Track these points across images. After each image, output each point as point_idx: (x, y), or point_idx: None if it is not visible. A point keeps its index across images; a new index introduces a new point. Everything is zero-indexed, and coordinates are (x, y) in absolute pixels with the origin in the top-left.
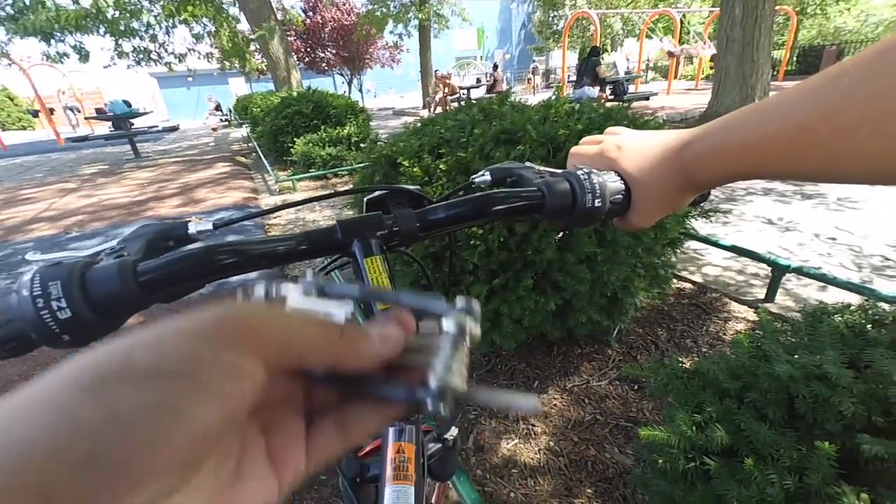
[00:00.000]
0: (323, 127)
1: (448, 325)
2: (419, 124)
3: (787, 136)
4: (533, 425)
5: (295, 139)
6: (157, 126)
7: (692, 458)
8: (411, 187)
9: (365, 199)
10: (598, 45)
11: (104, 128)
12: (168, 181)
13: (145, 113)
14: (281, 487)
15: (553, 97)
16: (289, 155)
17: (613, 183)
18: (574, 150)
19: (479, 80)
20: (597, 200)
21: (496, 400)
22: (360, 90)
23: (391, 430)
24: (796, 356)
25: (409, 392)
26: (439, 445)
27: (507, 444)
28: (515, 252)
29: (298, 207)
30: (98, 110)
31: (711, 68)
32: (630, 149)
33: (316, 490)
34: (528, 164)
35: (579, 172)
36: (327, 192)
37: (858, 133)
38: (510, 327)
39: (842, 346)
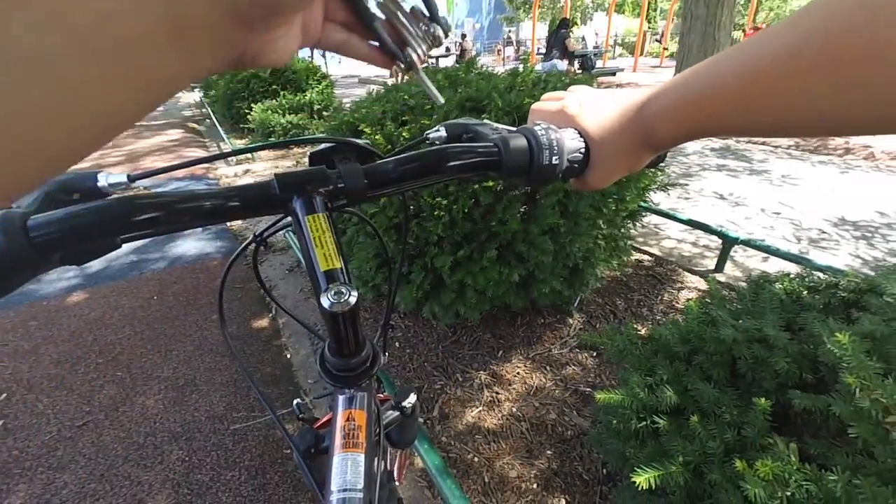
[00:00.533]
0: (282, 93)
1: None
2: (383, 91)
3: (744, 85)
4: (497, 393)
5: (252, 105)
6: None
7: (643, 417)
8: (360, 141)
9: (308, 153)
10: (567, 17)
11: None
12: (111, 148)
13: None
14: (299, 45)
15: (521, 67)
16: (246, 122)
17: (572, 140)
18: (534, 106)
19: (448, 50)
20: (554, 157)
21: (426, 85)
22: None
23: (341, 397)
24: (740, 321)
25: (393, 46)
26: (397, 413)
27: (472, 411)
28: (480, 223)
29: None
30: None
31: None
32: (591, 106)
33: (280, 463)
34: (485, 120)
35: (537, 128)
36: (270, 142)
37: (812, 77)
38: (474, 298)
39: (780, 311)
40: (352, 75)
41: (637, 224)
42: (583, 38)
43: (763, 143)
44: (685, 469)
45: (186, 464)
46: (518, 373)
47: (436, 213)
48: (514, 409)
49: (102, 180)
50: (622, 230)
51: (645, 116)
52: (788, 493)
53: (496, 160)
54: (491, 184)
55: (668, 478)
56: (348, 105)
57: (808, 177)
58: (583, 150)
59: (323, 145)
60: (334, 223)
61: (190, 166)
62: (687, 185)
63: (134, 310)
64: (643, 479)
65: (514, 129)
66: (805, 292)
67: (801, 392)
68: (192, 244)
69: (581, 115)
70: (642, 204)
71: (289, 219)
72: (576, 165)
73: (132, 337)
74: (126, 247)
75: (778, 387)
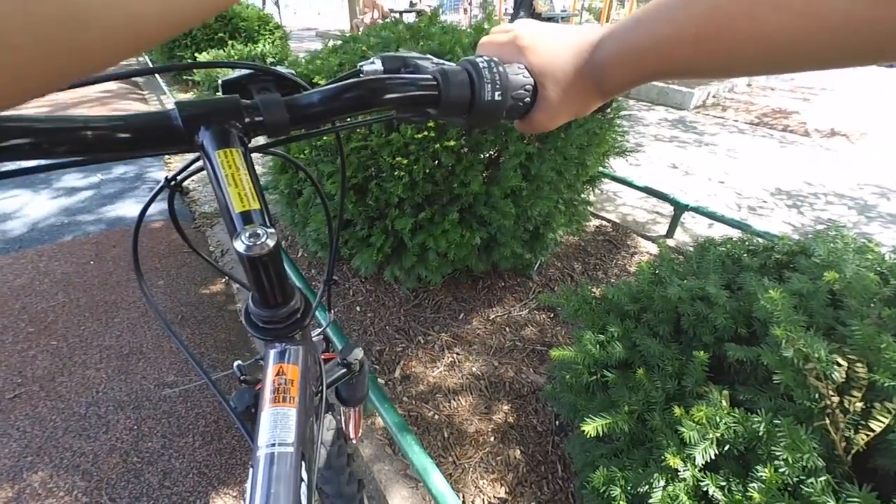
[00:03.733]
0: (231, 42)
1: None
2: (339, 42)
3: (695, 22)
4: (458, 354)
5: (196, 55)
6: None
7: (594, 372)
8: (282, 69)
9: (220, 81)
10: None
11: None
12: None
13: None
14: None
15: (486, 24)
16: (190, 74)
17: (517, 75)
18: (483, 39)
19: (412, 3)
20: (497, 93)
21: None
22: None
23: (271, 351)
24: (686, 281)
25: None
26: (344, 370)
27: (433, 372)
28: (441, 185)
29: None
30: None
31: None
32: (542, 40)
33: (237, 428)
34: (427, 55)
35: (479, 60)
36: (182, 63)
37: (762, 9)
38: (436, 261)
39: (722, 272)
40: (309, 28)
41: (595, 190)
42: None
43: (716, 117)
44: (630, 417)
45: (135, 432)
46: (478, 334)
47: (396, 172)
48: (474, 369)
49: None
50: (582, 195)
51: (596, 57)
52: (718, 434)
53: (434, 94)
54: (453, 143)
55: (615, 425)
56: (303, 59)
57: (751, 149)
58: (529, 87)
59: (237, 72)
60: (251, 160)
61: (94, 83)
62: (643, 152)
63: (68, 275)
64: (591, 427)
65: (457, 63)
66: (745, 255)
67: (735, 345)
68: (131, 205)
69: (531, 48)
70: (602, 169)
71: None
72: (521, 104)
73: (67, 304)
74: (53, 206)
75: (716, 340)
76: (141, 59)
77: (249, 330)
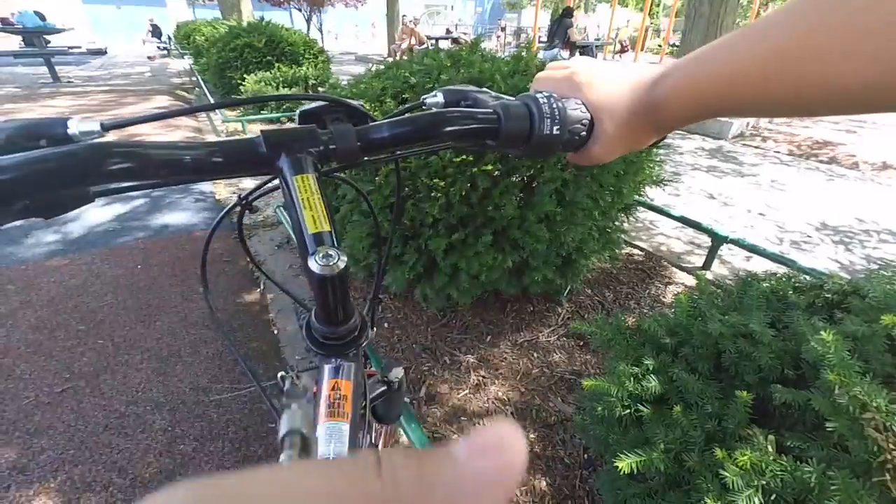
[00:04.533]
0: (277, 65)
1: None
2: (382, 67)
3: (759, 63)
4: (484, 377)
5: (245, 76)
6: (80, 47)
7: (628, 405)
8: (353, 101)
9: (298, 112)
10: (571, 6)
11: (12, 43)
12: (94, 111)
13: (63, 30)
14: None
15: (524, 52)
16: (238, 93)
17: (575, 111)
18: (539, 74)
19: (448, 31)
20: (556, 127)
21: None
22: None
23: (327, 366)
24: (727, 316)
25: None
26: (384, 388)
27: (458, 394)
28: (476, 207)
29: None
30: (3, 20)
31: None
32: (599, 77)
33: (264, 437)
34: (485, 88)
35: (538, 95)
36: (259, 96)
37: (832, 55)
38: (467, 283)
39: (766, 309)
40: (348, 52)
41: (630, 218)
42: (585, 29)
43: (756, 147)
44: (666, 456)
45: (169, 434)
46: (505, 358)
47: (432, 193)
48: (500, 393)
49: (73, 127)
50: (616, 223)
51: (654, 93)
52: (764, 482)
53: (494, 128)
54: (489, 167)
55: (650, 463)
56: (344, 82)
57: (794, 181)
58: (586, 122)
59: (314, 104)
60: (323, 186)
61: (171, 117)
62: (681, 182)
63: (117, 278)
64: (625, 463)
65: (515, 97)
66: (791, 292)
67: (781, 387)
68: (178, 214)
69: (588, 84)
70: (638, 198)
71: (276, 181)
72: (577, 138)
73: (115, 305)
74: (108, 213)
75: (759, 381)
76: (194, 78)
77: (310, 345)
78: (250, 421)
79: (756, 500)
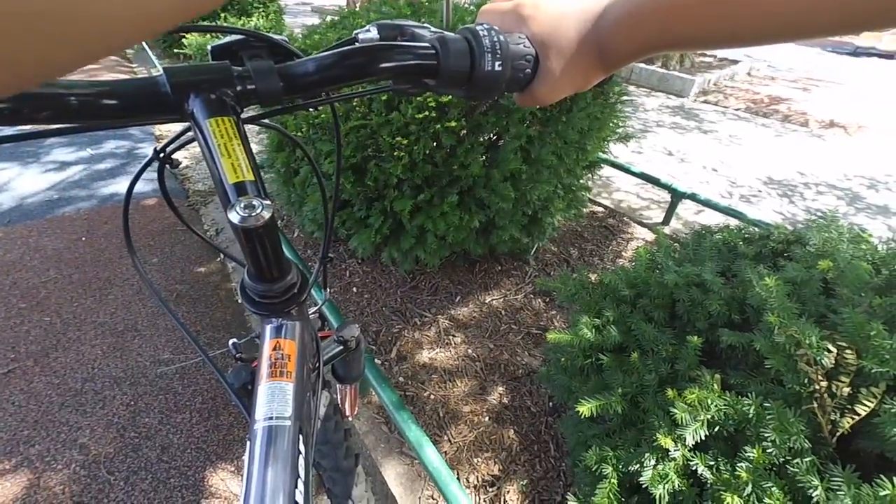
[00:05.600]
0: (223, 15)
1: None
2: (337, 17)
3: None
4: (453, 336)
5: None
6: None
7: (589, 355)
8: (275, 36)
9: (209, 48)
10: None
11: None
12: None
13: None
14: None
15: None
16: (180, 47)
17: (518, 45)
18: (484, 7)
19: None
20: (497, 63)
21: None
22: None
23: (268, 326)
24: (682, 267)
25: None
26: (340, 347)
27: (428, 353)
28: (441, 166)
29: None
30: None
31: None
32: (545, 10)
33: (234, 405)
34: (425, 24)
35: (479, 28)
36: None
37: None
38: (434, 244)
39: (718, 259)
40: (304, 2)
41: (594, 175)
42: None
43: (716, 104)
44: (623, 399)
45: (131, 408)
46: (474, 317)
47: (395, 153)
48: (470, 351)
49: None
50: (580, 180)
51: (600, 29)
52: (709, 416)
53: (433, 63)
54: (453, 123)
55: (608, 406)
56: (299, 34)
57: (748, 138)
58: (531, 58)
59: (228, 38)
60: (244, 130)
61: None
62: (644, 138)
63: (59, 251)
64: (586, 407)
65: (456, 31)
66: (741, 243)
67: (728, 330)
68: (122, 182)
69: (533, 18)
70: (601, 155)
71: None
72: (521, 75)
73: (59, 280)
74: (42, 182)
75: (709, 326)
76: None
77: (246, 305)
78: (218, 390)
79: (701, 432)
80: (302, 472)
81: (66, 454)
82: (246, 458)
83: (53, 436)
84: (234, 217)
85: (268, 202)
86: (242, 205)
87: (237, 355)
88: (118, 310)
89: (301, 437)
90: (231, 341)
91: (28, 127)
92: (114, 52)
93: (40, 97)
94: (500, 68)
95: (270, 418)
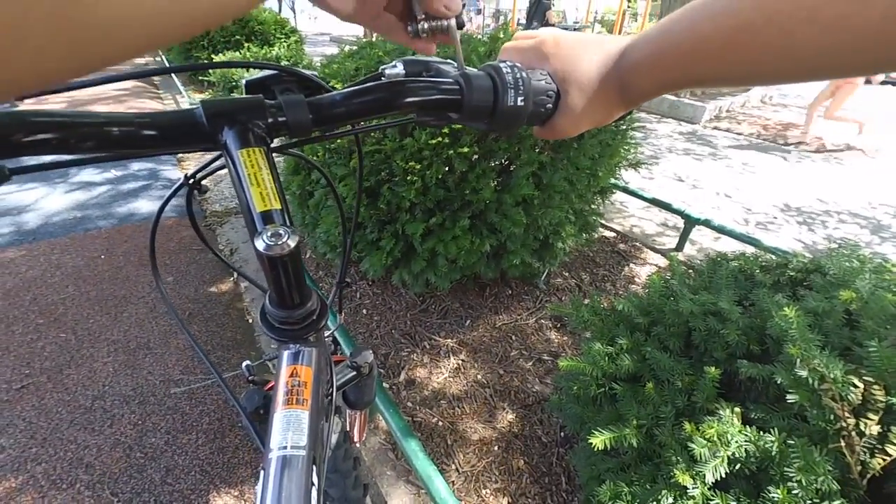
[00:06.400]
0: (247, 45)
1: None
2: (356, 47)
3: (722, 33)
4: (463, 361)
5: (213, 56)
6: None
7: (602, 384)
8: (306, 71)
9: (243, 82)
10: None
11: None
12: (49, 93)
13: None
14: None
15: (501, 33)
16: (206, 75)
17: (540, 81)
18: (507, 44)
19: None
20: (520, 98)
21: (458, 49)
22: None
23: (285, 352)
24: (697, 295)
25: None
26: (353, 373)
27: (437, 378)
28: (453, 191)
29: None
30: None
31: None
32: (566, 48)
33: (241, 427)
34: (449, 60)
35: (502, 65)
36: (204, 63)
37: (793, 20)
38: (445, 267)
39: (734, 287)
40: (323, 33)
41: (606, 201)
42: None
43: (727, 130)
44: (638, 431)
45: (139, 427)
46: (484, 341)
47: (408, 177)
48: (479, 376)
49: None
50: (592, 206)
51: (621, 67)
52: (730, 453)
53: (457, 98)
54: (466, 149)
55: (622, 439)
56: (318, 63)
57: (763, 164)
58: (552, 93)
59: (262, 72)
60: (272, 160)
61: (108, 83)
62: (655, 164)
63: (78, 269)
64: (599, 440)
65: (479, 68)
66: (758, 271)
67: (747, 362)
68: (143, 203)
69: (555, 55)
70: (613, 181)
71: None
72: (542, 110)
73: (77, 297)
74: (67, 201)
75: (727, 357)
76: (158, 58)
77: (265, 330)
78: (225, 411)
79: (721, 469)
80: (315, 503)
81: (72, 473)
82: (259, 487)
83: (61, 454)
84: (261, 245)
85: (294, 230)
86: (269, 233)
87: (250, 378)
88: (132, 328)
89: (314, 467)
90: (244, 363)
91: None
92: (150, 50)
93: (86, 127)
94: (522, 103)
95: (285, 447)
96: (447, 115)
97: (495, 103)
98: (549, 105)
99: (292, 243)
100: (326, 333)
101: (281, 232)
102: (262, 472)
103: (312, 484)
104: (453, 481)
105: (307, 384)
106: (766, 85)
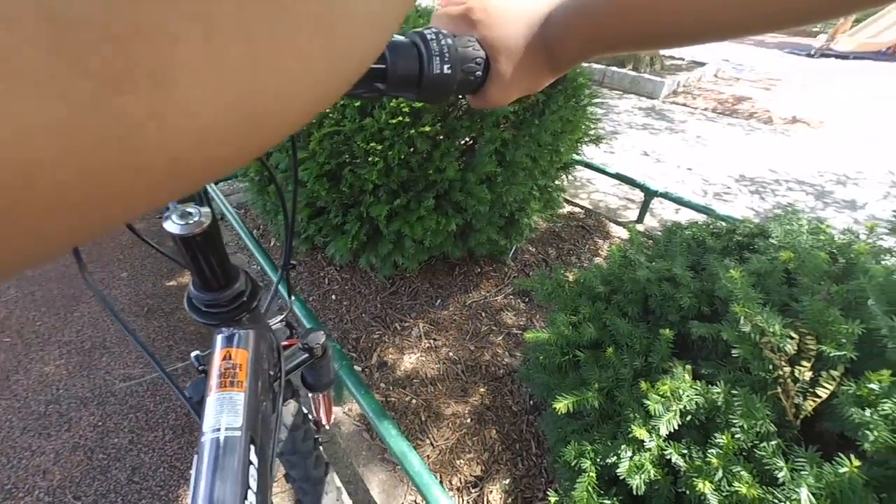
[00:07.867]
0: None
1: None
2: None
3: None
4: (434, 339)
5: None
6: None
7: (567, 352)
8: None
9: None
10: None
11: None
12: None
13: None
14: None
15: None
16: None
17: (467, 48)
18: (436, 11)
19: None
20: (446, 66)
21: None
22: None
23: (218, 336)
24: (653, 263)
25: None
26: (305, 355)
27: (410, 358)
28: (417, 171)
29: None
30: None
31: None
32: (495, 13)
33: None
34: None
35: (426, 32)
36: None
37: None
38: (412, 248)
39: (687, 254)
40: None
41: (569, 176)
42: None
43: (685, 105)
44: (599, 393)
45: (99, 429)
46: (455, 320)
47: (370, 159)
48: (451, 354)
49: None
50: (556, 181)
51: (547, 32)
52: (681, 406)
53: (382, 68)
54: (428, 128)
55: (585, 402)
56: None
57: (718, 137)
58: (480, 61)
59: None
60: None
61: None
62: (615, 139)
63: None
64: (563, 404)
65: (404, 36)
66: (709, 237)
67: (698, 322)
68: None
69: (483, 21)
70: (575, 156)
71: None
72: (471, 78)
73: (20, 299)
74: None
75: (680, 319)
76: None
77: (193, 315)
78: None
79: (674, 422)
80: (254, 484)
81: (29, 481)
82: (193, 470)
83: (14, 462)
84: (171, 226)
85: (206, 209)
86: (178, 213)
87: (201, 367)
88: (85, 327)
89: (253, 447)
90: (193, 353)
91: None
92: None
93: None
94: (449, 71)
95: (218, 430)
96: (374, 87)
97: (421, 72)
98: (479, 73)
99: (206, 221)
100: (278, 318)
101: (191, 210)
102: (195, 456)
103: (251, 463)
104: (428, 455)
105: (242, 366)
106: (680, 45)
